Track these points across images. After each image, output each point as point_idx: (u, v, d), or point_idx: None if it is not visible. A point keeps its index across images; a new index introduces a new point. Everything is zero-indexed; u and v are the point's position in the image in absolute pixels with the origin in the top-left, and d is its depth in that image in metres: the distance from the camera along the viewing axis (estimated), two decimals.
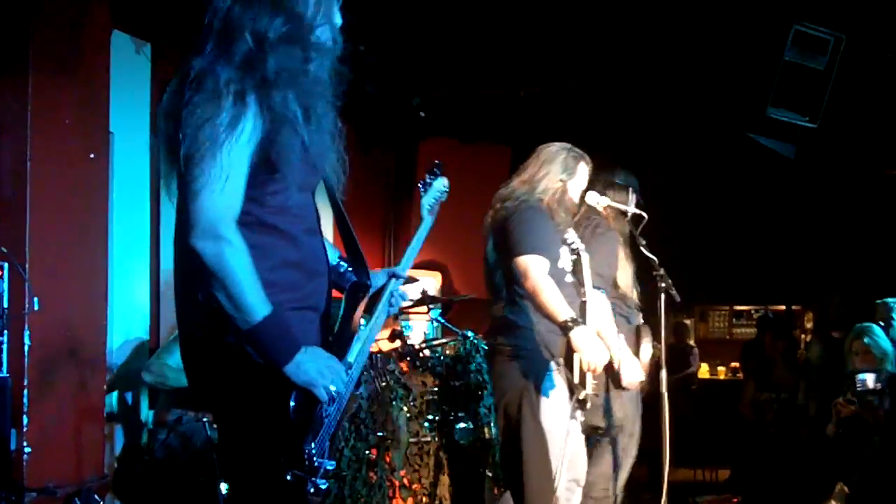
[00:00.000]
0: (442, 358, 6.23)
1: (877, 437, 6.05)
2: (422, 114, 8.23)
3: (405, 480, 5.63)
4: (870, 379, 6.00)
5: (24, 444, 4.84)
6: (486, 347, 4.73)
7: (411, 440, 5.68)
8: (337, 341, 2.75)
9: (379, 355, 5.69)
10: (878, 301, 6.94)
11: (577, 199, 4.61)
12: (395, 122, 8.61)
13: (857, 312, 7.11)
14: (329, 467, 2.61)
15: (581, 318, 4.25)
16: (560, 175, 4.51)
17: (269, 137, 2.51)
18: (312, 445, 2.57)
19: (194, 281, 2.52)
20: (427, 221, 3.22)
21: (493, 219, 4.51)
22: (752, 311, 11.83)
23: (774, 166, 7.89)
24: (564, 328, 4.14)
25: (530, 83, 8.09)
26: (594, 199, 4.82)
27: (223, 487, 4.71)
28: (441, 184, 3.27)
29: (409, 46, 7.30)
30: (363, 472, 5.10)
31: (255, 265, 2.49)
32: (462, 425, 5.84)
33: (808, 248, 10.01)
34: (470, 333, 6.10)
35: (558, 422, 4.22)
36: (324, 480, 2.59)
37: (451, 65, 7.70)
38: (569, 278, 4.39)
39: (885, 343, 6.21)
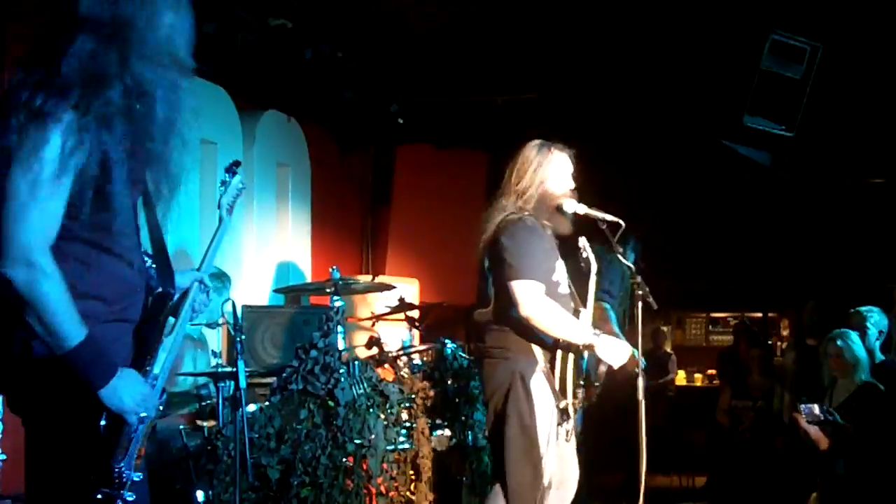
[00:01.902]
0: (419, 365, 6.21)
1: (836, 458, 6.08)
2: (400, 120, 8.23)
3: (382, 488, 5.60)
4: (815, 408, 6.03)
5: None
6: (471, 354, 4.64)
7: (388, 448, 5.65)
8: (144, 350, 2.72)
9: (357, 362, 5.66)
10: (852, 310, 6.95)
11: (563, 188, 4.50)
12: (373, 129, 8.61)
13: (832, 319, 7.13)
14: (136, 479, 2.61)
15: None
16: (539, 177, 4.44)
17: (91, 162, 2.47)
18: (122, 463, 2.58)
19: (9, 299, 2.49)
20: (226, 221, 3.13)
21: (485, 241, 4.40)
22: (729, 319, 11.86)
23: (751, 174, 7.93)
24: (588, 349, 4.24)
25: (508, 90, 8.10)
26: (571, 206, 4.77)
27: (199, 495, 4.68)
28: (238, 181, 3.18)
29: (387, 53, 7.29)
30: (340, 480, 5.06)
31: (77, 278, 2.48)
32: (439, 433, 5.82)
33: (784, 256, 10.07)
34: (447, 341, 6.08)
35: (543, 421, 4.22)
36: (131, 493, 2.60)
37: (429, 71, 7.70)
38: (563, 289, 4.41)
39: (859, 349, 6.22)
